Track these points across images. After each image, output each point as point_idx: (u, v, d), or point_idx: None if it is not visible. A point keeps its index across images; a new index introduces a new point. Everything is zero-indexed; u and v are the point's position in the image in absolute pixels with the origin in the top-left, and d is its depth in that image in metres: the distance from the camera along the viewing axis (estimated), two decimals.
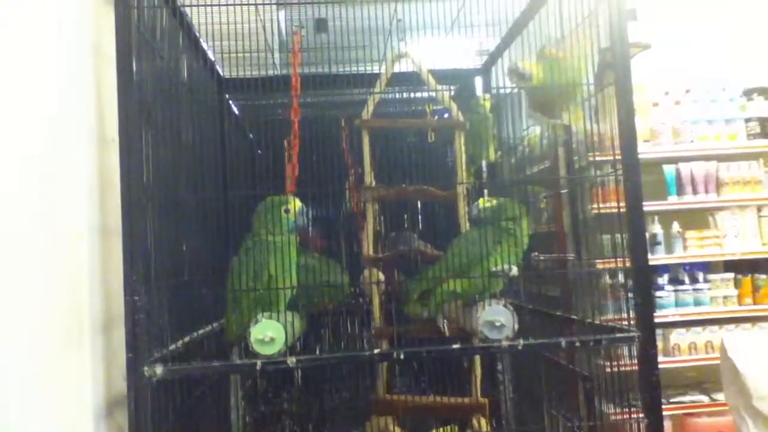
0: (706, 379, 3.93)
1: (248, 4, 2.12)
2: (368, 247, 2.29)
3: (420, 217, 3.35)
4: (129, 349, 1.59)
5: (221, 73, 2.80)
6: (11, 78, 1.55)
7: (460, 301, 2.04)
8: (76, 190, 1.67)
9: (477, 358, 2.33)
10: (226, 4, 2.04)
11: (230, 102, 3.04)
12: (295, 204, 1.97)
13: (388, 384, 2.32)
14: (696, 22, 4.36)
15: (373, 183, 2.34)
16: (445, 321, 2.11)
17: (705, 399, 3.81)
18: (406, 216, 3.12)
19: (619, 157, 1.87)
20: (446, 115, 2.69)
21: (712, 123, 4.11)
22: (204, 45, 2.41)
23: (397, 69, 2.46)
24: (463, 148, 2.41)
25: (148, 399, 1.61)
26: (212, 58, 2.55)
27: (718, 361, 2.65)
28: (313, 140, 2.47)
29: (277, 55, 3.33)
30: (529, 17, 2.52)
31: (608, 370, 1.99)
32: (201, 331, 2.05)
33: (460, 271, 1.99)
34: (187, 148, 2.20)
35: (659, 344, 1.83)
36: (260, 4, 2.30)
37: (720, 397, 3.56)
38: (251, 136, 3.26)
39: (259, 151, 3.29)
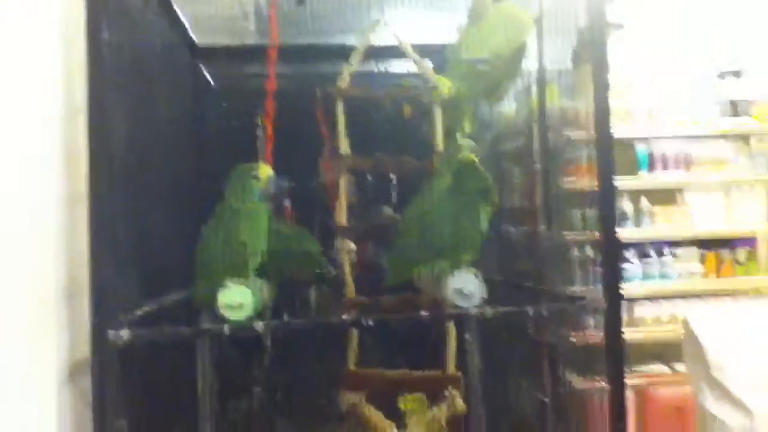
0: (667, 350, 4.02)
1: None
2: (342, 217, 2.29)
3: (395, 191, 3.35)
4: (94, 313, 1.57)
5: (194, 40, 2.76)
6: None
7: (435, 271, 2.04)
8: (43, 156, 1.65)
9: (451, 330, 2.34)
10: None
11: (204, 70, 2.99)
12: (265, 171, 1.96)
13: (360, 358, 2.32)
14: (671, 4, 4.38)
15: (348, 153, 2.33)
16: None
17: (667, 370, 3.91)
18: (380, 188, 3.12)
19: (593, 136, 1.89)
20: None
21: (685, 104, 4.17)
22: (177, 9, 2.37)
23: (378, 43, 2.44)
24: (440, 119, 2.40)
25: (114, 364, 1.59)
26: (185, 23, 2.51)
27: (680, 334, 2.71)
28: (289, 111, 2.45)
29: (253, 23, 3.29)
30: None
31: (574, 340, 2.03)
32: (170, 297, 2.04)
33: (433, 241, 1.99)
34: (158, 116, 2.17)
35: (624, 316, 1.87)
36: None
37: (681, 368, 3.64)
38: (225, 104, 3.23)
39: (232, 122, 3.26)
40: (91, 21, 1.63)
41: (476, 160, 2.04)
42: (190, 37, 2.69)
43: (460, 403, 2.11)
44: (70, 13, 1.76)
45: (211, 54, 2.86)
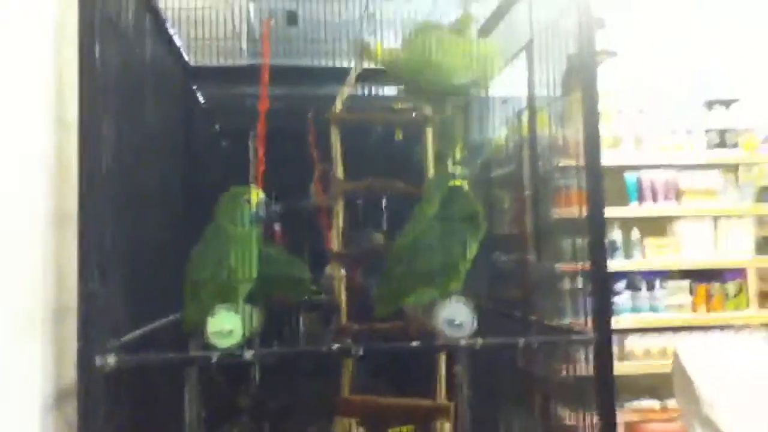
0: (659, 384, 4.01)
1: None
2: (336, 243, 2.28)
3: (385, 215, 3.35)
4: (80, 337, 1.54)
5: (187, 60, 2.75)
6: None
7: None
8: (30, 174, 1.63)
9: (441, 359, 2.32)
10: None
11: (197, 91, 2.99)
12: (256, 195, 1.95)
13: (352, 383, 2.30)
14: (662, 32, 4.43)
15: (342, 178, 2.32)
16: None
17: (656, 404, 3.89)
18: (370, 214, 3.11)
19: (582, 163, 1.89)
20: (414, 114, 2.68)
21: (674, 132, 4.19)
22: (170, 30, 2.37)
23: (368, 65, 2.45)
24: (430, 143, 2.41)
25: (100, 390, 1.56)
26: (178, 45, 2.50)
27: (670, 368, 2.70)
28: (281, 133, 2.45)
29: (245, 44, 3.29)
30: (499, 18, 2.53)
31: (564, 373, 2.01)
32: (158, 322, 2.01)
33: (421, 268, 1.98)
34: (150, 136, 2.16)
35: (615, 349, 1.87)
36: None
37: (672, 403, 3.63)
38: (217, 126, 3.22)
39: (223, 143, 3.25)
40: (83, 40, 1.62)
41: (465, 185, 2.04)
42: (183, 58, 2.69)
43: None
44: (61, 32, 1.76)
45: (203, 74, 2.85)
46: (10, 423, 1.51)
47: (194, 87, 2.94)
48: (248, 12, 3.16)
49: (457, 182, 2.05)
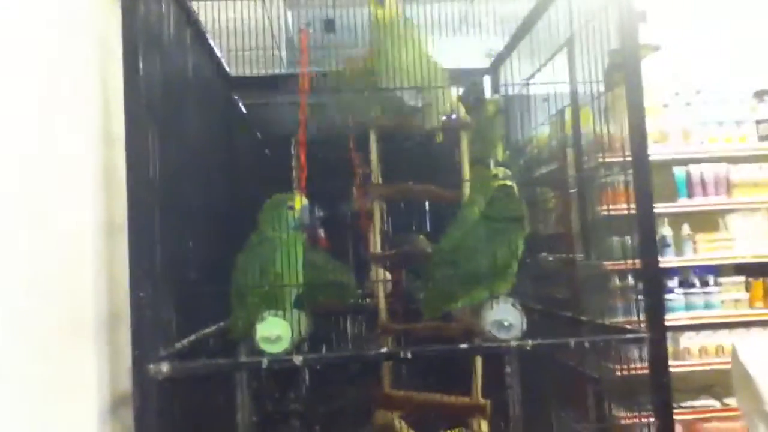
0: (716, 383, 3.89)
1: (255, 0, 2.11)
2: (375, 245, 2.28)
3: (427, 217, 3.34)
4: (135, 347, 1.57)
5: (228, 71, 2.79)
6: (15, 75, 1.54)
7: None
8: (80, 186, 1.67)
9: (478, 358, 2.31)
10: None
11: (238, 100, 3.03)
12: (300, 201, 1.96)
13: (393, 379, 2.30)
14: (706, 23, 4.32)
15: (380, 182, 2.32)
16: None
17: (716, 404, 3.77)
18: (413, 217, 3.11)
19: (629, 159, 1.85)
20: (453, 116, 2.67)
21: (722, 124, 4.09)
22: (211, 42, 2.40)
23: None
24: (466, 148, 2.40)
25: (154, 397, 1.59)
26: (219, 56, 2.54)
27: (728, 365, 2.62)
28: (321, 140, 2.46)
29: (284, 53, 3.32)
30: (537, 16, 2.50)
31: (618, 373, 1.97)
32: (207, 330, 2.03)
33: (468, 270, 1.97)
34: (194, 146, 2.19)
35: (669, 348, 1.81)
36: None
37: (731, 401, 3.52)
38: (259, 135, 3.26)
39: (266, 151, 3.29)
40: (127, 55, 1.66)
41: (512, 184, 2.02)
42: (224, 69, 2.73)
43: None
44: (106, 47, 1.80)
45: (244, 84, 2.89)
46: (68, 430, 1.54)
47: (236, 97, 2.98)
48: (286, 21, 3.20)
49: (506, 182, 2.04)
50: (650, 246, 1.84)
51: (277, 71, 3.31)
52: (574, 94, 2.97)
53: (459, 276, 1.92)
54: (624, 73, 1.86)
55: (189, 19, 2.14)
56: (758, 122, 4.10)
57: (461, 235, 2.01)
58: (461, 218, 2.09)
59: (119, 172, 1.69)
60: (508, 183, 2.02)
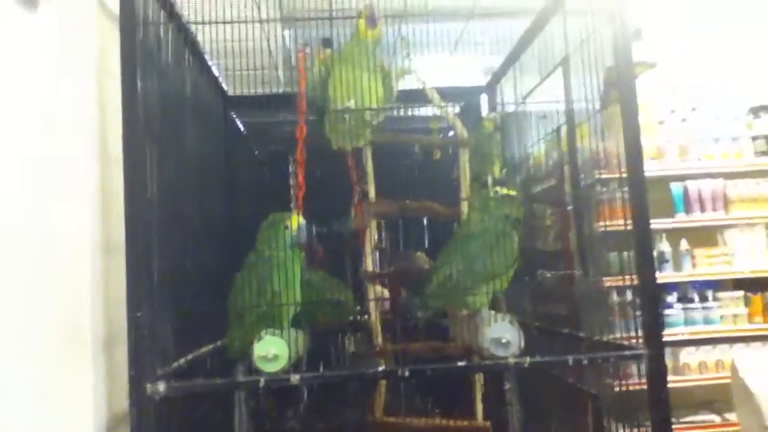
0: (717, 398, 3.88)
1: (253, 22, 2.13)
2: (369, 263, 2.27)
3: (425, 234, 3.34)
4: (132, 366, 1.57)
5: (225, 90, 2.81)
6: (13, 96, 1.55)
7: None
8: (78, 206, 1.67)
9: (479, 378, 2.29)
10: (231, 21, 2.05)
11: (236, 119, 3.04)
12: (295, 220, 1.96)
13: (389, 403, 2.28)
14: (702, 40, 4.36)
15: (377, 199, 2.33)
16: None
17: (716, 419, 3.76)
18: (411, 233, 3.11)
19: (625, 175, 1.86)
20: (451, 133, 2.69)
21: (718, 141, 4.11)
22: (209, 62, 2.42)
23: (402, 87, 2.46)
24: (467, 165, 2.41)
25: (151, 416, 1.59)
26: (217, 75, 2.56)
27: (728, 380, 2.61)
28: (319, 157, 2.47)
29: (282, 72, 3.34)
30: (534, 35, 2.52)
31: (617, 389, 1.96)
32: (204, 349, 2.03)
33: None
34: (192, 165, 2.20)
35: (669, 363, 1.80)
36: (264, 21, 2.32)
37: (732, 417, 3.51)
38: (257, 153, 3.27)
39: (264, 169, 3.29)
40: (126, 75, 1.67)
41: (509, 191, 2.06)
42: (222, 88, 2.74)
43: None
44: (103, 67, 1.81)
45: (242, 103, 2.90)
46: None
47: (234, 115, 2.99)
48: (283, 40, 3.22)
49: (502, 190, 2.07)
50: (647, 262, 1.84)
51: (275, 90, 3.33)
52: (569, 112, 2.99)
53: (455, 282, 1.94)
54: (619, 90, 1.88)
55: (187, 40, 2.16)
56: (754, 138, 4.13)
57: (455, 248, 2.04)
58: (459, 235, 2.11)
59: (117, 191, 1.70)
60: (507, 190, 2.05)
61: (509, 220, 2.01)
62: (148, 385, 1.58)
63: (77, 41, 1.74)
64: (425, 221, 3.31)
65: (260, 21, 2.20)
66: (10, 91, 1.54)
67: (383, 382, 2.25)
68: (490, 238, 1.98)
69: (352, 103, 2.17)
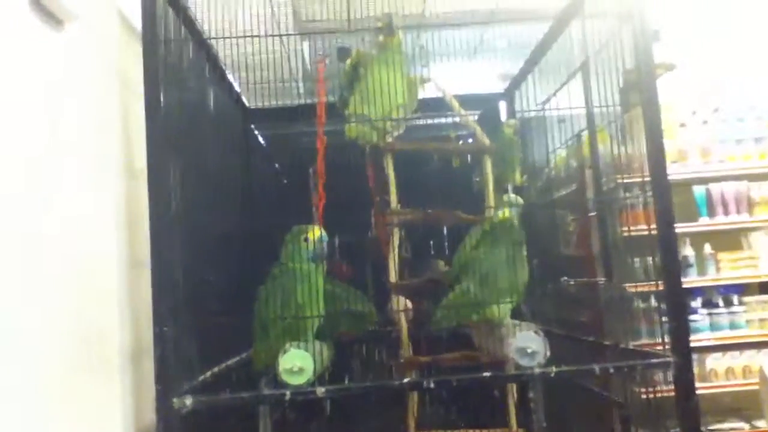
0: (744, 405, 3.81)
1: (272, 36, 2.15)
2: (394, 274, 2.26)
3: (447, 243, 3.33)
4: (158, 380, 1.58)
5: (246, 104, 2.83)
6: (39, 115, 1.58)
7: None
8: (104, 222, 1.69)
9: (510, 387, 2.28)
10: (250, 36, 2.07)
11: (256, 132, 3.06)
12: (315, 232, 1.97)
13: (419, 417, 2.26)
14: (721, 41, 4.32)
15: (398, 208, 2.32)
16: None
17: (745, 426, 3.70)
18: (431, 241, 3.10)
19: (648, 179, 1.84)
20: (470, 140, 2.68)
21: (740, 142, 4.06)
22: (229, 76, 2.44)
23: (421, 95, 2.46)
24: (490, 172, 2.40)
25: (178, 430, 1.60)
26: (237, 89, 2.58)
27: (757, 387, 2.57)
28: (339, 168, 2.48)
29: (301, 84, 3.36)
30: (552, 39, 2.51)
31: (644, 396, 1.94)
32: (230, 361, 2.04)
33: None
34: (214, 179, 2.22)
35: (695, 369, 1.78)
36: (283, 35, 2.33)
37: (761, 423, 3.45)
38: (277, 165, 3.28)
39: (285, 181, 3.31)
40: (149, 90, 1.69)
41: (512, 218, 2.07)
42: (242, 102, 2.77)
43: None
44: (126, 83, 1.84)
45: (262, 116, 2.92)
46: None
47: (254, 128, 3.01)
48: (302, 52, 3.24)
49: (504, 216, 2.08)
50: (673, 267, 1.82)
51: (294, 102, 3.34)
52: (590, 116, 2.97)
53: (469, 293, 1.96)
54: (640, 92, 1.86)
55: (207, 55, 2.18)
56: None
57: (470, 256, 2.06)
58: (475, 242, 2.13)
59: (141, 206, 1.71)
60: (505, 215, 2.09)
61: (514, 243, 2.03)
62: (175, 399, 1.59)
63: (101, 59, 1.77)
64: (445, 228, 3.30)
65: (279, 35, 2.22)
66: (37, 110, 1.56)
67: (413, 396, 2.24)
68: (498, 263, 2.00)
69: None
